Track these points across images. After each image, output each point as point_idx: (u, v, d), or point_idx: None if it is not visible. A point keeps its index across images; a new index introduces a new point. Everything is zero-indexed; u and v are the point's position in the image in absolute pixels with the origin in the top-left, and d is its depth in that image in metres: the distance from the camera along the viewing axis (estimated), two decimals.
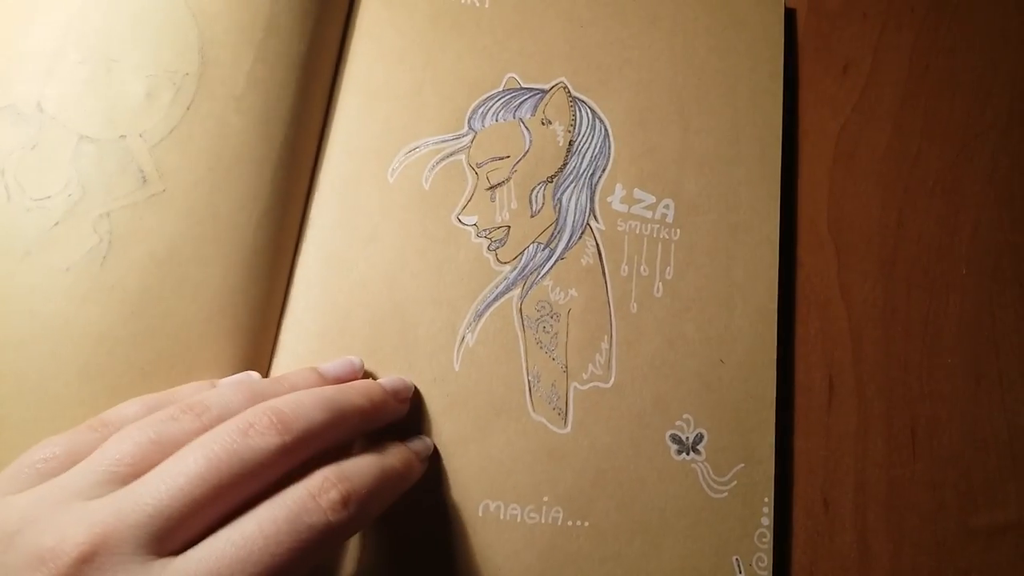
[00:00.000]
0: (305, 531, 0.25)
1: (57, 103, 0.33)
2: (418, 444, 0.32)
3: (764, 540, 0.34)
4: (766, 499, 0.34)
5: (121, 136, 0.33)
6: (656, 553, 0.33)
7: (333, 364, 0.33)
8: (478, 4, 0.39)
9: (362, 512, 0.26)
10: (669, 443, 0.34)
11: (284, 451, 0.26)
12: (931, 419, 0.37)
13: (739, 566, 0.33)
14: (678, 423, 0.35)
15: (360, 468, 0.28)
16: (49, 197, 0.32)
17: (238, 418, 0.26)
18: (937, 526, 0.35)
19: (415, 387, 0.34)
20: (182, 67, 0.34)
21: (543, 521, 0.33)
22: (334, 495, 0.26)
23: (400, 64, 0.38)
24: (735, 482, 0.34)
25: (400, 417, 0.33)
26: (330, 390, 0.29)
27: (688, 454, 0.34)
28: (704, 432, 0.35)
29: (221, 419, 0.27)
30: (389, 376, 0.33)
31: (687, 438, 0.35)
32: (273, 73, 0.35)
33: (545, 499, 0.33)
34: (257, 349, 0.34)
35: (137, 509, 0.24)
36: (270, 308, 0.34)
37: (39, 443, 0.27)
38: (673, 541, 0.33)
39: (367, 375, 0.34)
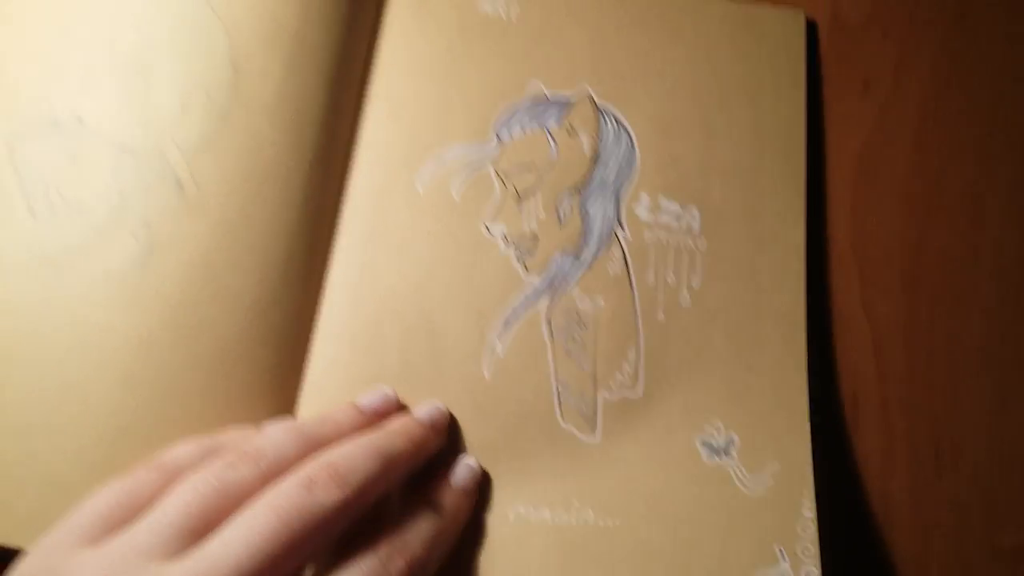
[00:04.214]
0: None
1: (96, 116, 0.34)
2: (465, 477, 0.32)
3: (807, 530, 0.33)
4: (805, 491, 0.33)
5: (158, 146, 0.34)
6: (695, 548, 0.33)
7: (370, 397, 0.33)
8: (504, 16, 0.39)
9: (424, 574, 0.29)
10: (700, 447, 0.34)
11: (345, 505, 0.27)
12: (955, 438, 0.36)
13: (783, 555, 0.33)
14: (708, 429, 0.34)
15: (420, 533, 0.29)
16: (90, 207, 0.33)
17: (300, 474, 0.27)
18: (962, 546, 0.35)
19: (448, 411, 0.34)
20: (215, 78, 0.35)
21: (574, 522, 0.33)
22: (400, 564, 0.27)
23: (428, 75, 0.38)
24: (771, 481, 0.34)
25: (439, 449, 0.33)
26: (378, 439, 0.30)
27: (720, 457, 0.34)
28: (735, 436, 0.34)
29: (278, 466, 0.28)
30: (423, 404, 0.33)
31: (718, 444, 0.34)
32: (303, 84, 0.36)
33: (575, 504, 0.33)
34: (291, 355, 0.34)
35: (215, 570, 0.24)
36: (304, 315, 0.35)
37: (99, 491, 0.27)
38: (710, 537, 0.33)
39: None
